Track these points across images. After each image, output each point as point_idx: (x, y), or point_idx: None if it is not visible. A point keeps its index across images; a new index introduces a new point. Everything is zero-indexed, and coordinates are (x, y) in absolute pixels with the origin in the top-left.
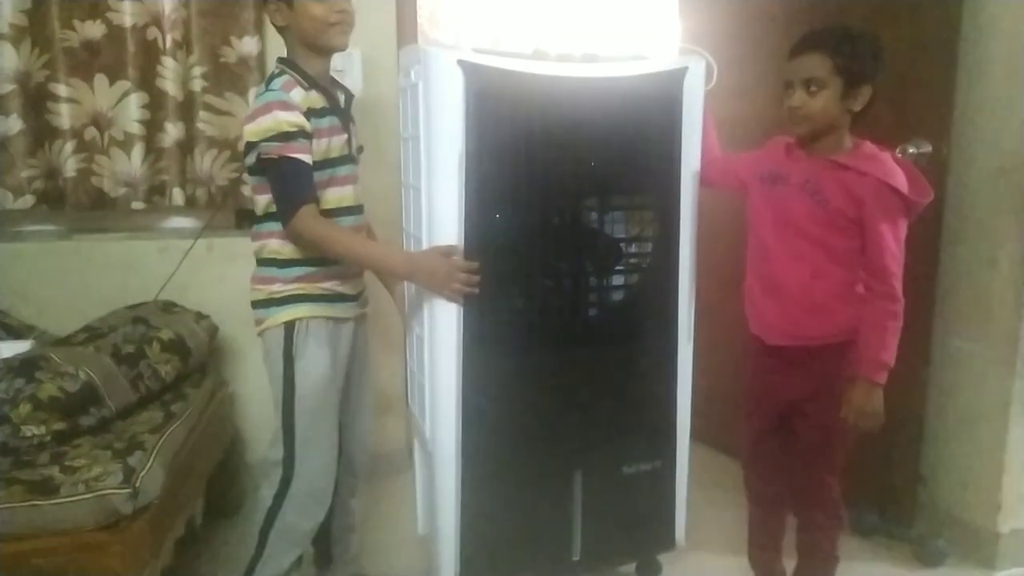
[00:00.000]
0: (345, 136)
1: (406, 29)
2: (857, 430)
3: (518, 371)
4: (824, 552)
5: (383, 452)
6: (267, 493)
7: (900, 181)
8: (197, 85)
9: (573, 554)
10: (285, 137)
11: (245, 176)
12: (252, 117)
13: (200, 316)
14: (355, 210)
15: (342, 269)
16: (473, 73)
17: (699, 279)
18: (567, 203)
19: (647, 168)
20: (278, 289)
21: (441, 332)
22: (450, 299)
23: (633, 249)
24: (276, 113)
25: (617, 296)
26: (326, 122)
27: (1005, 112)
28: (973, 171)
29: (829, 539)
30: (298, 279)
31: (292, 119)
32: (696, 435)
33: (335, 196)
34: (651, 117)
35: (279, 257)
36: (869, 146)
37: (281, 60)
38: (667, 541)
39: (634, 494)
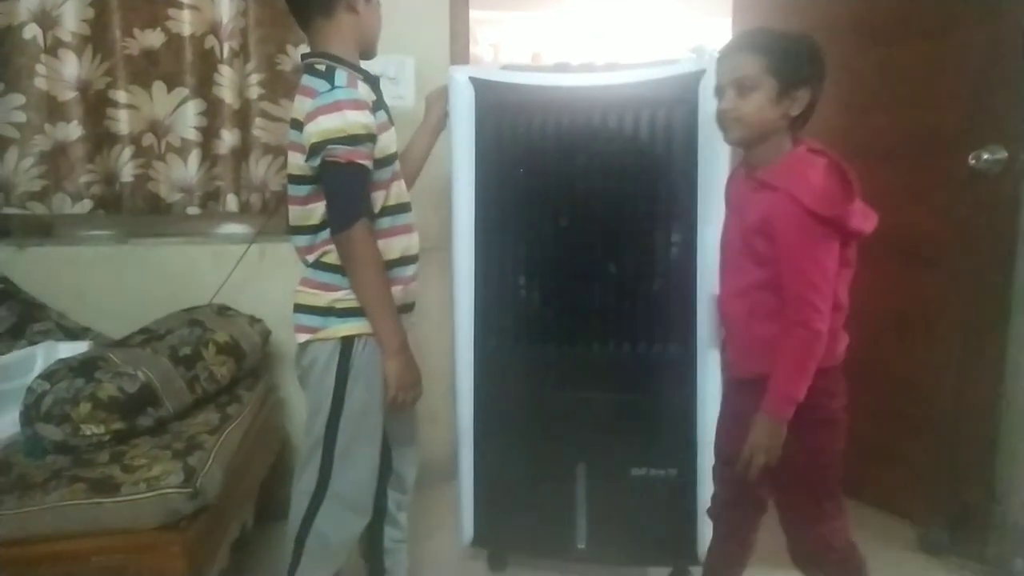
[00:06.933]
0: (393, 128)
1: (459, 39)
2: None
3: (526, 363)
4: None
5: (428, 460)
6: (299, 501)
7: (812, 197)
8: (254, 92)
9: (578, 542)
10: (353, 140)
11: (289, 186)
12: (316, 115)
13: (254, 320)
14: (409, 207)
15: (408, 275)
16: (483, 88)
17: None
18: (573, 206)
19: (663, 171)
20: (342, 297)
21: (460, 323)
22: (400, 402)
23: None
24: (346, 113)
25: (629, 298)
26: (382, 115)
27: None
28: None
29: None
30: None
31: (363, 120)
32: None
33: (396, 192)
34: (664, 121)
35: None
36: (798, 154)
37: (323, 55)
38: (688, 554)
39: (645, 498)
